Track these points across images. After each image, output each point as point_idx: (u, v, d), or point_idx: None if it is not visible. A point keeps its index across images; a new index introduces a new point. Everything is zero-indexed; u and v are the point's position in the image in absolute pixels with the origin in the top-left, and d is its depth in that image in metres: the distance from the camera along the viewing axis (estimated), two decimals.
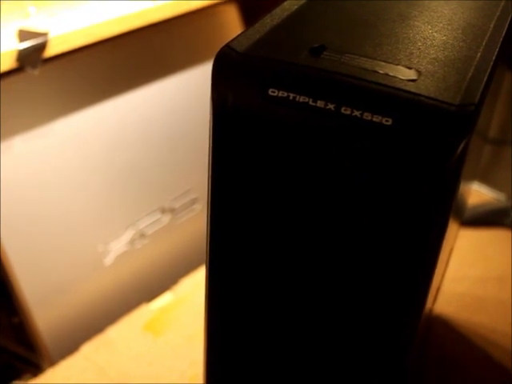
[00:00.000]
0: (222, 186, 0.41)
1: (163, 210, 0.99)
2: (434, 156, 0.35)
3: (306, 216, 0.40)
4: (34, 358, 0.92)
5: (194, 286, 0.93)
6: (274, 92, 0.37)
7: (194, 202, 1.03)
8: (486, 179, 1.08)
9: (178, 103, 0.99)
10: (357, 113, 0.36)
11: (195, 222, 1.04)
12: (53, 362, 0.82)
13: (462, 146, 0.34)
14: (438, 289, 0.78)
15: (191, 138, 1.01)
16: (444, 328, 0.82)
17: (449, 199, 0.37)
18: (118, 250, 0.93)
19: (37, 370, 0.82)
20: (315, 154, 0.38)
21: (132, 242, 0.95)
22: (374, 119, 0.35)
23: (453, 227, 0.50)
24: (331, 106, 0.36)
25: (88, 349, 0.83)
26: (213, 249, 0.44)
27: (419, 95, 0.35)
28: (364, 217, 0.38)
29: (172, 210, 1.00)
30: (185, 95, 1.00)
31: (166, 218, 1.00)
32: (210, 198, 0.42)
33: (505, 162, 1.06)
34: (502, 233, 0.99)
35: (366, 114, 0.35)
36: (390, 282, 0.39)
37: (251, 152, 0.39)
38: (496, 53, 0.41)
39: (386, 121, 0.35)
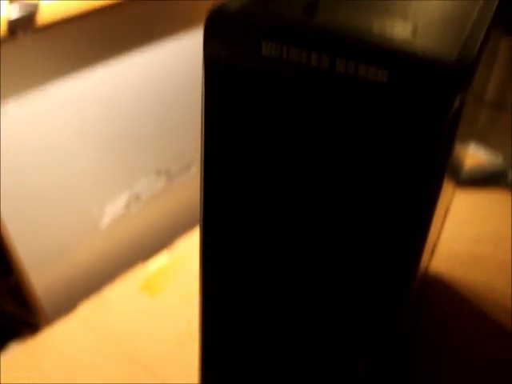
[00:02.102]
0: (214, 143, 0.41)
1: (159, 174, 0.99)
2: (430, 111, 0.34)
3: (301, 173, 0.39)
4: (31, 318, 0.92)
5: (190, 246, 0.93)
6: (267, 47, 0.36)
7: (189, 165, 1.02)
8: (482, 141, 1.07)
9: (173, 66, 0.98)
10: (351, 68, 0.35)
11: (191, 186, 1.03)
12: (50, 322, 0.82)
13: (458, 100, 0.34)
14: (434, 248, 0.78)
15: (187, 101, 1.00)
16: (439, 286, 0.82)
17: (444, 155, 0.37)
18: (113, 214, 0.93)
19: (34, 330, 0.82)
20: (309, 111, 0.38)
21: (127, 205, 0.95)
22: (369, 74, 0.35)
23: (448, 186, 0.50)
24: (325, 61, 0.35)
25: (85, 309, 0.83)
26: (206, 208, 0.43)
27: (415, 49, 0.34)
28: (359, 174, 0.38)
29: (168, 174, 1.00)
30: (180, 58, 0.99)
31: (162, 182, 0.99)
32: (202, 156, 0.42)
33: (501, 124, 1.06)
34: (498, 194, 0.99)
35: (360, 68, 0.35)
36: (386, 237, 0.38)
37: (244, 109, 0.39)
38: (493, 12, 0.40)
39: (381, 76, 0.35)
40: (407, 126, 0.35)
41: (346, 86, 0.36)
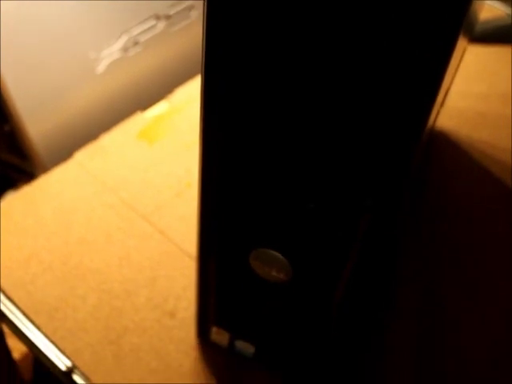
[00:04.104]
0: None
1: (158, 17, 0.94)
2: None
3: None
4: (27, 166, 0.91)
5: (190, 95, 0.90)
6: None
7: (189, 9, 0.98)
8: None
9: None
10: None
11: (191, 31, 0.99)
12: (46, 171, 0.81)
13: None
14: (442, 104, 0.76)
15: None
16: (445, 143, 0.81)
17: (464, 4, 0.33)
18: (110, 57, 0.89)
19: (31, 179, 0.81)
20: None
21: (125, 49, 0.91)
22: None
23: (462, 42, 0.47)
24: None
25: (82, 156, 0.82)
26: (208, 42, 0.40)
27: None
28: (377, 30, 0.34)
29: (167, 17, 0.95)
30: None
31: (161, 25, 0.95)
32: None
33: None
34: (510, 50, 0.95)
35: None
36: (399, 88, 0.36)
37: None
38: None
39: None
40: None
41: None
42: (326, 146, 0.40)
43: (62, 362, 0.63)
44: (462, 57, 0.71)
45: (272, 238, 0.47)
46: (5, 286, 0.68)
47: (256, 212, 0.46)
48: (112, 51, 0.89)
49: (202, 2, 0.38)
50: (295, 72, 0.37)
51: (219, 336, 0.60)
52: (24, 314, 0.66)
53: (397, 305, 0.66)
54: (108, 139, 0.84)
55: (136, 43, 0.92)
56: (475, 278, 0.68)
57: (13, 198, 0.77)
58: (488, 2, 1.01)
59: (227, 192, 0.46)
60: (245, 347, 0.60)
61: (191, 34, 1.00)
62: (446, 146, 0.81)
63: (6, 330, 0.72)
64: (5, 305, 0.66)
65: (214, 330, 0.60)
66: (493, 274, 0.68)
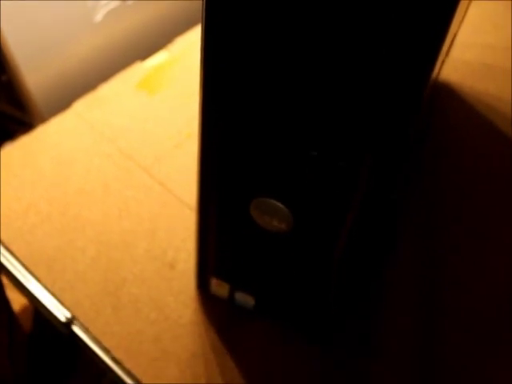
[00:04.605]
0: None
1: None
2: None
3: None
4: (25, 117, 0.90)
5: (190, 44, 0.89)
6: None
7: None
8: None
9: None
10: None
11: None
12: (44, 121, 0.80)
13: None
14: (447, 55, 0.74)
15: None
16: (449, 95, 0.80)
17: None
18: (108, 6, 0.87)
19: (29, 130, 0.80)
20: None
21: None
22: None
23: None
24: None
25: (80, 106, 0.81)
26: None
27: None
28: None
29: None
30: None
31: None
32: None
33: None
34: None
35: None
36: (406, 35, 0.35)
37: None
38: None
39: None
40: None
41: None
42: (329, 92, 0.39)
43: (61, 314, 0.63)
44: (467, 7, 0.69)
45: (273, 187, 0.46)
46: (3, 237, 0.67)
47: (257, 160, 0.45)
48: None
49: None
50: (300, 17, 0.36)
51: (219, 288, 0.60)
52: (23, 265, 0.66)
53: (398, 257, 0.66)
54: (107, 89, 0.83)
55: None
56: (477, 230, 0.67)
57: (11, 148, 0.76)
58: None
59: (228, 140, 0.45)
60: (245, 299, 0.59)
61: None
62: (451, 99, 0.80)
63: (5, 281, 0.72)
64: (4, 256, 0.66)
65: (214, 281, 0.60)
66: (495, 225, 0.68)
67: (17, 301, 0.81)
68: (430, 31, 0.35)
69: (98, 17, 0.87)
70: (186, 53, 0.87)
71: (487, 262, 0.66)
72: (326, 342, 0.61)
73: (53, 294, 0.64)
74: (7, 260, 0.66)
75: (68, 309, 0.63)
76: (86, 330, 0.61)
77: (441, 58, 0.41)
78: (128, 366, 0.59)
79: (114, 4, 0.88)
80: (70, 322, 0.62)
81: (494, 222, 0.68)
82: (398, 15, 0.34)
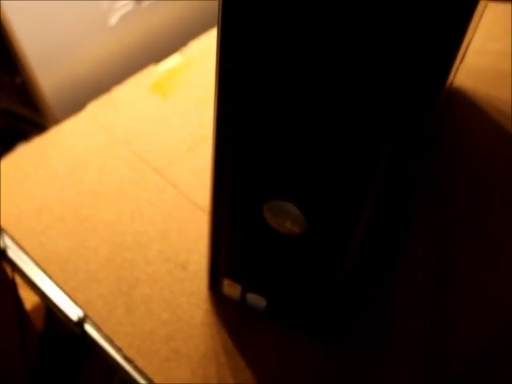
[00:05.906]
0: None
1: None
2: None
3: None
4: (39, 119, 0.91)
5: (204, 48, 0.89)
6: None
7: None
8: None
9: None
10: None
11: None
12: (58, 123, 0.81)
13: None
14: (461, 61, 0.74)
15: None
16: (462, 101, 0.80)
17: None
18: (123, 9, 0.88)
19: (42, 131, 0.81)
20: None
21: (138, 0, 0.89)
22: None
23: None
24: None
25: (94, 108, 0.81)
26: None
27: None
28: None
29: None
30: None
31: None
32: None
33: None
34: None
35: None
36: (423, 38, 0.35)
37: None
38: None
39: None
40: None
41: None
42: (348, 95, 0.39)
43: (74, 313, 0.63)
44: (482, 14, 0.69)
45: (287, 190, 0.46)
46: (17, 237, 0.68)
47: (271, 163, 0.45)
48: (125, 2, 0.88)
49: None
50: (317, 22, 0.36)
51: (231, 289, 0.60)
52: (36, 264, 0.66)
53: (409, 260, 0.66)
54: (121, 92, 0.83)
55: None
56: (489, 233, 0.68)
57: (25, 149, 0.77)
58: None
59: (242, 143, 0.46)
60: (257, 300, 0.60)
61: None
62: (464, 105, 0.80)
63: (18, 281, 0.72)
64: (18, 255, 0.67)
65: (226, 282, 0.60)
66: (506, 228, 0.68)
67: (29, 300, 0.81)
68: (447, 38, 0.35)
69: (113, 20, 0.88)
70: (199, 56, 0.88)
71: (499, 264, 0.66)
72: (336, 342, 0.61)
73: (66, 293, 0.64)
74: (21, 259, 0.66)
75: (80, 308, 0.63)
76: (99, 329, 0.62)
77: (456, 63, 0.42)
78: (140, 365, 0.60)
79: (128, 8, 0.88)
80: (82, 321, 0.62)
81: (505, 224, 0.68)
82: (417, 26, 0.34)
